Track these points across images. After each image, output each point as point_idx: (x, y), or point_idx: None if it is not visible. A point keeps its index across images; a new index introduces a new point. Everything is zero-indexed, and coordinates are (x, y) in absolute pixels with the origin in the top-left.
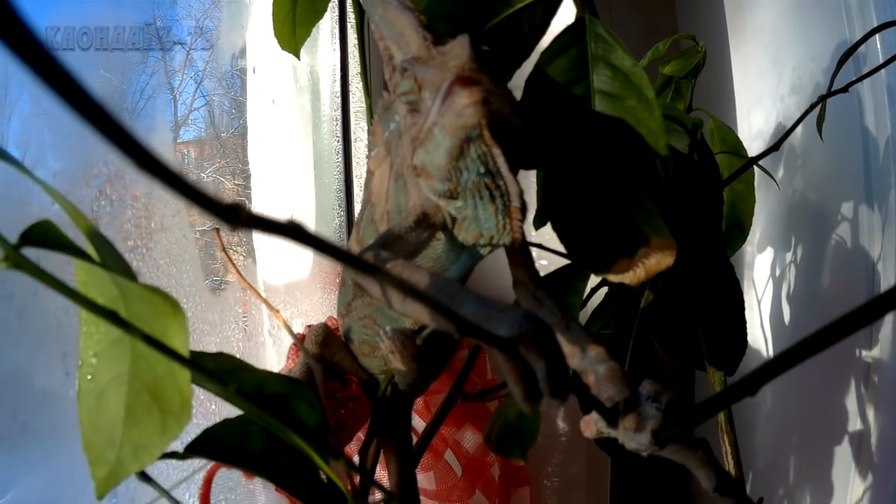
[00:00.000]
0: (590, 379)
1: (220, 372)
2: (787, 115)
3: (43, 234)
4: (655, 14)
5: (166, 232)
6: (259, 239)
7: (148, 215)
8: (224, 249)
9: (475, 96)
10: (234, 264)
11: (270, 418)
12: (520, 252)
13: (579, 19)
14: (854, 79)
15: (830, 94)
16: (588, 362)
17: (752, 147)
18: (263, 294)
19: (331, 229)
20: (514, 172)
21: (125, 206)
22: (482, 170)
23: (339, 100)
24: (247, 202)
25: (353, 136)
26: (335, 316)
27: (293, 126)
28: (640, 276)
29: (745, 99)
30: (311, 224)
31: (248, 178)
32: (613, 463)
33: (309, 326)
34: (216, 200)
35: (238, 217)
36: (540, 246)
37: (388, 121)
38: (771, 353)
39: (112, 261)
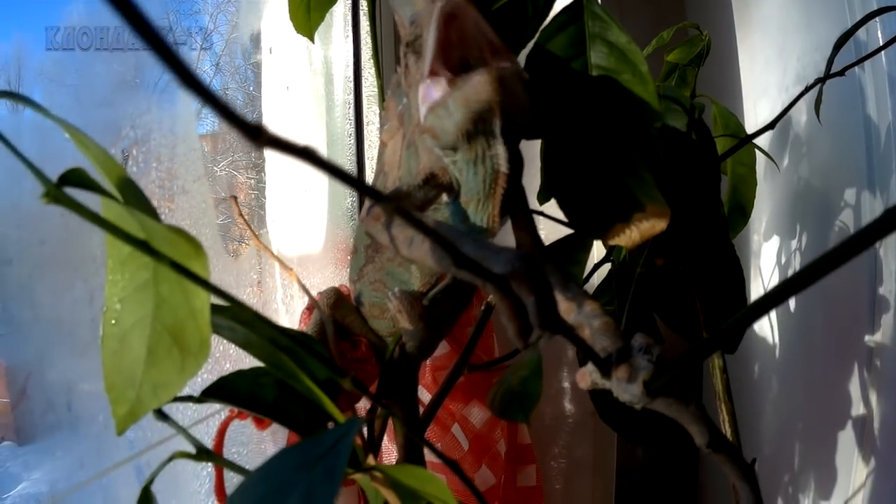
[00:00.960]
0: (585, 332)
1: (237, 322)
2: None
3: (78, 178)
4: (665, 5)
5: (188, 195)
6: (273, 211)
7: (171, 178)
8: (241, 215)
9: (492, 74)
10: (250, 227)
11: (286, 359)
12: (522, 216)
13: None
14: (851, 62)
15: (828, 76)
16: (584, 317)
17: (759, 137)
18: (278, 270)
19: (342, 209)
20: (515, 143)
21: (150, 168)
22: (480, 131)
23: (351, 84)
24: (259, 195)
25: (365, 120)
26: (346, 285)
27: (307, 111)
28: (635, 239)
29: (752, 89)
30: (323, 204)
31: (260, 171)
32: (620, 450)
33: (320, 294)
34: (242, 118)
35: (260, 135)
36: (541, 213)
37: (401, 95)
38: (777, 338)
39: (139, 203)
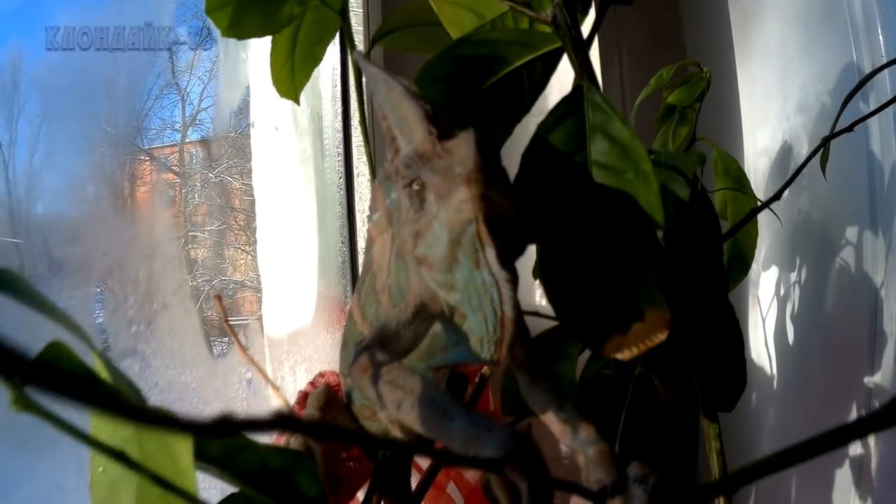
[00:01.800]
0: (580, 460)
1: (225, 453)
2: (793, 133)
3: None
4: (662, 28)
5: (168, 310)
6: (268, 292)
7: (150, 297)
8: (227, 320)
9: (474, 191)
10: (236, 337)
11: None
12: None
13: (577, 88)
14: (862, 116)
15: (833, 135)
16: (579, 443)
17: (758, 164)
18: (267, 348)
19: (335, 266)
20: (511, 266)
21: (127, 294)
22: (473, 268)
23: (340, 135)
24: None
25: (355, 171)
26: (339, 375)
27: (294, 164)
28: (633, 353)
29: (751, 117)
30: (314, 263)
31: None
32: None
33: (312, 384)
34: (200, 423)
35: (228, 430)
36: (537, 314)
37: (389, 189)
38: (775, 370)
39: (123, 385)
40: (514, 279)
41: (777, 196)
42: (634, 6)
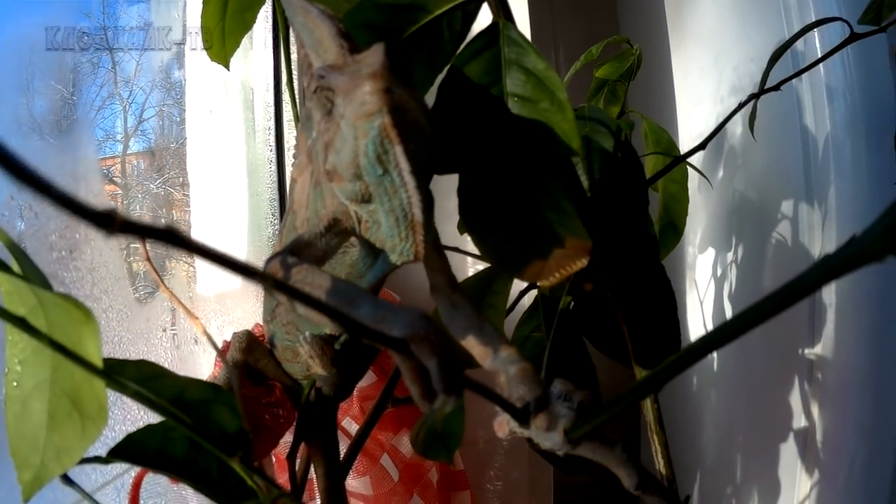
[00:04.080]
0: (501, 379)
1: (140, 379)
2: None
3: None
4: (597, 17)
5: (91, 243)
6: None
7: (73, 226)
8: (149, 259)
9: (378, 84)
10: (157, 273)
11: (186, 422)
12: (435, 256)
13: (493, 24)
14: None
15: (762, 92)
16: (500, 363)
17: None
18: (193, 304)
19: (264, 237)
20: (425, 178)
21: (49, 219)
22: (380, 171)
23: (272, 110)
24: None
25: (286, 146)
26: (262, 323)
27: (227, 137)
28: (555, 279)
29: (686, 99)
30: (244, 232)
31: None
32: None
33: (234, 335)
34: (88, 207)
35: (112, 223)
36: (456, 249)
37: (311, 129)
38: (715, 352)
39: (30, 271)
40: (426, 192)
41: (702, 146)
42: (570, 1)
